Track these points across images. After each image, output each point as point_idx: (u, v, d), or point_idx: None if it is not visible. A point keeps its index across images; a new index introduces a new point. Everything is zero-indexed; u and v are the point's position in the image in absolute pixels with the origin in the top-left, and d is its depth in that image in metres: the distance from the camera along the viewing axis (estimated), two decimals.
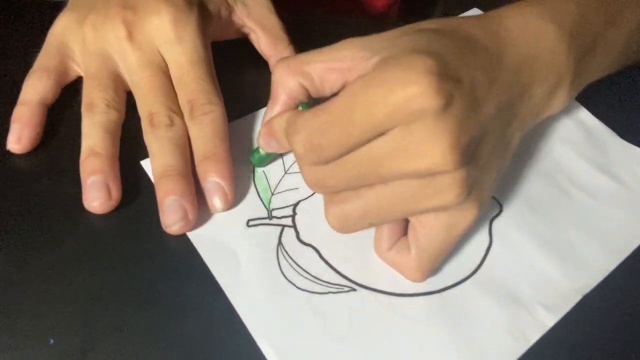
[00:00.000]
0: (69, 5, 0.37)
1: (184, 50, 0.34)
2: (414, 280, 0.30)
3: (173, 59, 0.34)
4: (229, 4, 0.38)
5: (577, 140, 0.38)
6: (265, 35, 0.38)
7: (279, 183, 0.34)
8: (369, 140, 0.25)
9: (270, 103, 0.31)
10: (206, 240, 0.31)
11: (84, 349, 0.27)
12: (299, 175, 0.34)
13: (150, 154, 0.33)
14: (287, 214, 0.33)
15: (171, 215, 0.31)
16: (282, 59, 0.30)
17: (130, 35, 0.34)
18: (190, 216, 0.31)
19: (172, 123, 0.33)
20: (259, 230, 0.32)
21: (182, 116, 0.33)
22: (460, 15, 0.31)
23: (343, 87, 0.29)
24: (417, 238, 0.29)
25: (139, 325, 0.28)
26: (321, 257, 0.31)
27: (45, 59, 0.35)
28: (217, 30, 0.37)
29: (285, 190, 0.34)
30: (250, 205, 0.33)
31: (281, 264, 0.31)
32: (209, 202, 0.32)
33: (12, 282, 0.29)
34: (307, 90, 0.30)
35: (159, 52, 0.34)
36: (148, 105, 0.33)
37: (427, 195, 0.26)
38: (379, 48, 0.27)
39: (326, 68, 0.29)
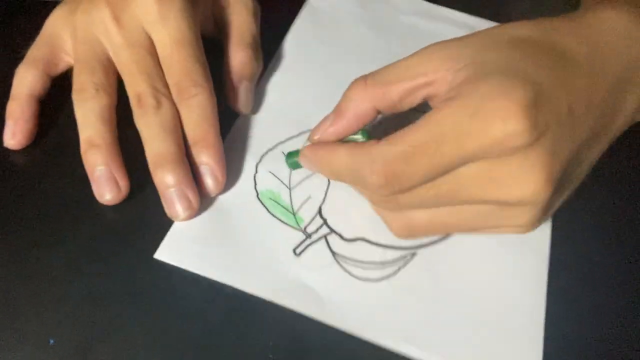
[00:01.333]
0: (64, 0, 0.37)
1: (168, 31, 0.33)
2: (394, 233, 0.30)
3: (158, 39, 0.33)
4: None
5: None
6: (230, 32, 0.37)
7: (291, 201, 0.33)
8: (452, 170, 0.24)
9: (333, 116, 0.29)
10: (267, 287, 0.30)
11: (84, 349, 0.27)
12: (304, 184, 0.34)
13: (142, 140, 0.32)
14: (319, 224, 0.32)
15: (175, 205, 0.31)
16: (360, 79, 0.28)
17: (116, 16, 0.33)
18: (194, 202, 0.31)
19: (159, 104, 0.32)
20: (307, 254, 0.31)
21: (169, 96, 0.33)
22: (554, 19, 0.28)
23: (424, 101, 0.27)
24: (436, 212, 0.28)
25: (139, 326, 0.28)
26: (372, 243, 0.31)
27: (34, 50, 0.35)
28: (203, 17, 0.37)
29: (302, 205, 0.33)
30: (286, 236, 0.32)
31: (348, 270, 0.31)
32: (202, 186, 0.32)
33: (12, 282, 0.29)
34: (378, 113, 0.28)
35: (145, 32, 0.34)
36: (134, 85, 0.33)
37: (502, 218, 0.26)
38: (467, 60, 0.25)
39: (409, 88, 0.27)
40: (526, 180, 0.23)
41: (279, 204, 0.33)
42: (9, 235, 0.31)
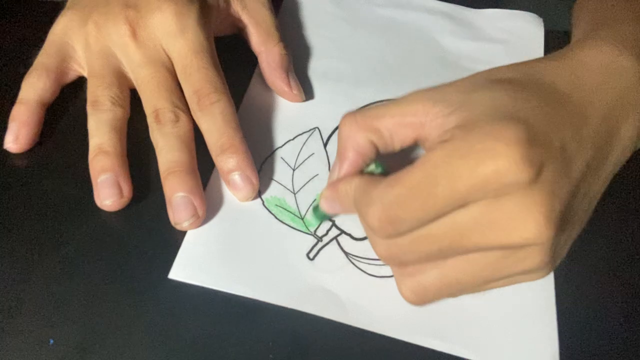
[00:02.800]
0: (69, 4, 0.37)
1: (186, 42, 0.34)
2: (405, 299, 0.29)
3: (176, 51, 0.34)
4: None
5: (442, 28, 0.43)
6: (257, 31, 0.38)
7: (298, 206, 0.33)
8: (449, 213, 0.24)
9: (337, 161, 0.28)
10: (287, 293, 0.30)
11: (84, 349, 0.27)
12: (308, 188, 0.34)
13: (156, 150, 0.33)
14: (328, 226, 0.33)
15: (181, 212, 0.31)
16: (348, 115, 0.28)
17: (134, 33, 0.34)
18: (200, 212, 0.31)
19: (177, 119, 0.33)
20: (321, 257, 0.31)
21: (187, 112, 0.33)
22: (537, 60, 0.28)
23: (414, 143, 0.27)
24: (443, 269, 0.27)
25: (139, 325, 0.28)
26: None
27: (45, 58, 0.35)
28: (216, 24, 0.37)
29: (309, 208, 0.33)
30: (297, 241, 0.32)
31: (363, 269, 0.31)
32: (237, 194, 0.32)
33: (12, 282, 0.29)
34: (376, 147, 0.28)
35: (163, 49, 0.34)
36: (153, 101, 0.33)
37: (511, 265, 0.25)
38: (456, 103, 0.25)
39: (397, 123, 0.27)
40: (525, 221, 0.23)
41: (286, 209, 0.33)
42: (9, 235, 0.31)
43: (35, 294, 0.29)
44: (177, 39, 0.34)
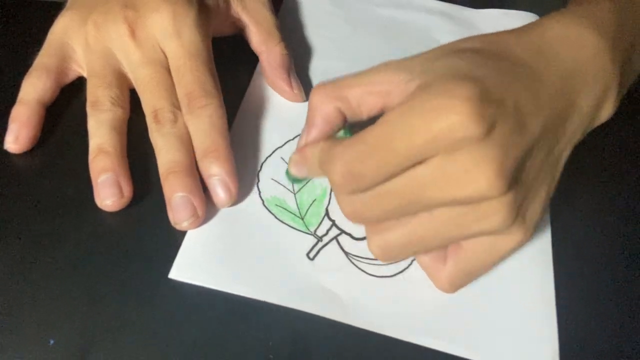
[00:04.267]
0: (68, 4, 0.37)
1: (182, 43, 0.34)
2: (441, 290, 0.30)
3: (171, 51, 0.34)
4: None
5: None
6: (258, 31, 0.38)
7: (298, 205, 0.34)
8: (408, 168, 0.25)
9: (305, 128, 0.30)
10: (286, 294, 0.30)
11: (84, 349, 0.27)
12: (308, 188, 0.34)
13: (156, 150, 0.33)
14: (328, 226, 0.33)
15: (181, 212, 0.31)
16: (319, 85, 0.29)
17: (133, 33, 0.34)
18: (200, 212, 0.31)
19: (176, 119, 0.33)
20: (321, 257, 0.31)
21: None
22: (500, 32, 0.29)
23: (381, 112, 0.28)
24: (456, 254, 0.29)
25: (139, 325, 0.28)
26: None
27: (45, 58, 0.35)
28: (215, 25, 0.37)
29: (309, 208, 0.33)
30: (297, 241, 0.32)
31: (363, 268, 0.31)
32: (214, 198, 0.32)
33: (12, 282, 0.29)
34: (344, 116, 0.29)
35: (161, 49, 0.34)
36: (152, 101, 0.33)
37: (472, 221, 0.26)
38: (418, 71, 0.27)
39: (365, 92, 0.28)
40: (477, 174, 0.24)
41: (286, 209, 0.33)
42: (9, 235, 0.31)
43: (35, 294, 0.29)
44: (173, 40, 0.34)
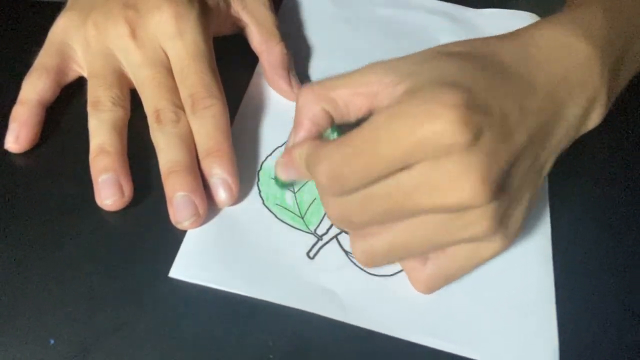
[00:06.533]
0: (69, 5, 0.37)
1: (184, 44, 0.34)
2: (418, 291, 0.30)
3: (174, 53, 0.34)
4: None
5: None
6: (258, 31, 0.38)
7: (298, 205, 0.33)
8: (393, 173, 0.25)
9: (293, 130, 0.30)
10: (283, 292, 0.30)
11: (84, 349, 0.27)
12: (308, 187, 0.34)
13: (157, 150, 0.33)
14: (328, 225, 0.33)
15: (182, 211, 0.31)
16: (306, 86, 0.29)
17: (133, 33, 0.34)
18: (201, 211, 0.31)
19: (178, 119, 0.33)
20: (321, 256, 0.31)
21: (185, 111, 0.34)
22: (489, 37, 0.29)
23: (369, 113, 0.28)
24: (437, 257, 0.29)
25: (138, 325, 0.28)
26: None
27: (45, 58, 0.35)
28: (216, 25, 0.37)
29: (309, 207, 0.33)
30: (297, 240, 0.32)
31: (363, 268, 0.31)
32: (215, 198, 0.32)
33: (12, 282, 0.29)
34: (331, 117, 0.29)
35: (162, 49, 0.34)
36: (154, 102, 0.33)
37: (456, 229, 0.26)
38: (406, 73, 0.26)
39: (352, 93, 0.28)
40: (461, 182, 0.24)
41: (286, 208, 0.33)
42: (9, 235, 0.31)
43: (35, 294, 0.29)
44: (176, 41, 0.34)
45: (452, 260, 0.28)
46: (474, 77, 0.26)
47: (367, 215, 0.26)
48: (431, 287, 0.30)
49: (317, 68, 0.40)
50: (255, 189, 0.34)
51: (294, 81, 0.38)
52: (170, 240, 0.31)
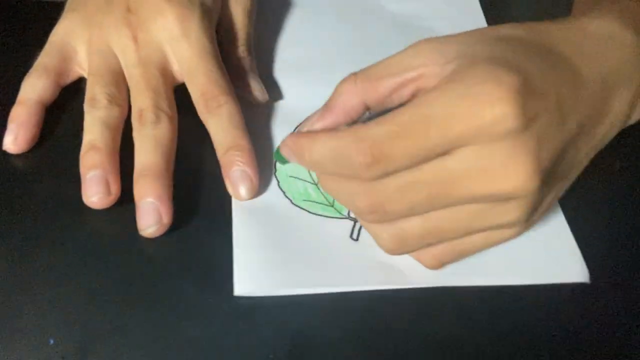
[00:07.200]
0: (69, 6, 0.37)
1: (190, 45, 0.34)
2: (428, 267, 0.29)
3: (181, 55, 0.34)
4: None
5: None
6: (224, 30, 0.38)
7: (324, 195, 0.34)
8: (437, 157, 0.24)
9: (322, 114, 0.28)
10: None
11: (84, 349, 0.27)
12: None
13: (135, 151, 0.32)
14: None
15: (145, 217, 0.30)
16: (352, 74, 0.27)
17: (135, 36, 0.34)
18: (165, 220, 0.30)
19: (158, 120, 0.32)
20: (363, 235, 0.32)
21: (171, 115, 0.33)
22: (541, 23, 0.28)
23: (412, 97, 0.27)
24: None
25: (139, 326, 0.28)
26: None
27: (46, 58, 0.35)
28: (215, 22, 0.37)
29: None
30: (337, 227, 0.32)
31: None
32: (234, 191, 0.32)
33: (12, 282, 0.29)
34: (367, 109, 0.28)
35: (163, 51, 0.35)
36: (139, 101, 0.33)
37: (493, 215, 0.25)
38: (456, 54, 0.25)
39: (399, 82, 0.26)
40: (515, 169, 0.23)
41: (314, 202, 0.33)
42: (8, 235, 0.31)
43: (35, 294, 0.29)
44: (181, 43, 0.34)
45: (468, 240, 0.28)
46: (530, 61, 0.25)
47: (405, 202, 0.25)
48: (442, 263, 0.29)
49: (328, 63, 0.40)
50: (279, 192, 0.34)
51: (256, 84, 0.37)
52: (170, 239, 0.31)
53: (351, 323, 0.29)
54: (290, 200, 0.33)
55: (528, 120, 0.23)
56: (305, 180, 0.34)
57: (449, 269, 0.30)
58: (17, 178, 0.33)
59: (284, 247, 0.31)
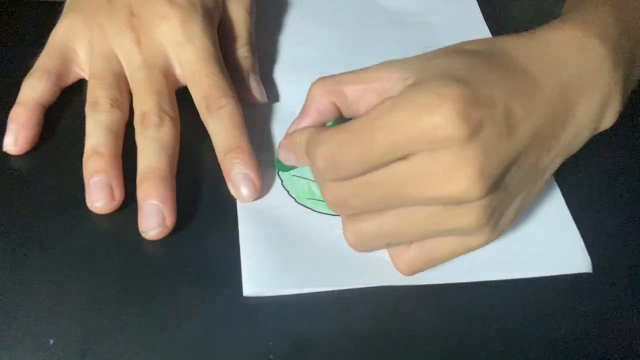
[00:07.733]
0: (69, 7, 0.37)
1: (194, 50, 0.34)
2: (400, 272, 0.30)
3: (185, 59, 0.34)
4: None
5: None
6: (225, 30, 0.38)
7: None
8: (390, 162, 0.25)
9: (299, 117, 0.31)
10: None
11: (84, 349, 0.27)
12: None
13: (138, 154, 0.32)
14: None
15: (149, 220, 0.30)
16: (321, 78, 0.30)
17: (138, 39, 0.34)
18: (169, 222, 0.31)
19: (162, 123, 0.33)
20: None
21: (174, 118, 0.33)
22: (504, 36, 0.29)
23: None
24: (423, 242, 0.29)
25: (139, 326, 0.28)
26: None
27: (46, 59, 0.35)
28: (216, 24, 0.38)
29: None
30: (339, 225, 0.32)
31: None
32: (237, 194, 0.32)
33: (12, 282, 0.29)
34: (339, 110, 0.30)
35: (166, 55, 0.35)
36: (141, 104, 0.33)
37: (447, 219, 0.26)
38: (415, 69, 0.27)
39: (363, 89, 0.29)
40: (458, 175, 0.24)
41: (318, 200, 0.34)
42: (8, 235, 0.31)
43: (35, 294, 0.29)
44: (186, 47, 0.34)
45: (437, 247, 0.29)
46: (480, 73, 0.26)
47: (362, 201, 0.27)
48: (413, 270, 0.30)
49: (325, 62, 0.40)
50: (283, 191, 0.34)
51: (255, 85, 0.37)
52: (170, 239, 0.31)
53: (351, 323, 0.29)
54: (295, 199, 0.34)
55: (472, 129, 0.24)
56: (309, 179, 0.34)
57: (451, 265, 0.30)
58: (17, 178, 0.33)
59: (291, 247, 0.31)
